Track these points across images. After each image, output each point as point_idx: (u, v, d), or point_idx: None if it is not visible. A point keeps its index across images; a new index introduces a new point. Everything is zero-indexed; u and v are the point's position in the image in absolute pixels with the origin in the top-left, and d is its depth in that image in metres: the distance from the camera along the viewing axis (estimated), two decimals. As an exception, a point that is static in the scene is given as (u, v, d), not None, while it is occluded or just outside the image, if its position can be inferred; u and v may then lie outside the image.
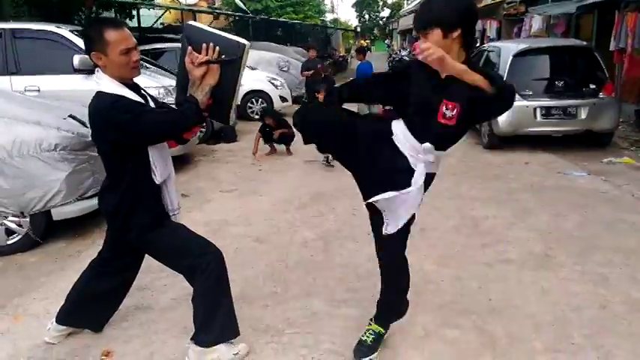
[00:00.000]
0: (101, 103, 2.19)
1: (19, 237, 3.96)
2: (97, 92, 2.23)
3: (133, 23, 13.37)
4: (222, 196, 5.48)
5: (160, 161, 2.35)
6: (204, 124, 8.09)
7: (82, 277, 2.69)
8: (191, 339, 2.44)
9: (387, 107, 2.54)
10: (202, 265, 2.35)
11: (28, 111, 4.16)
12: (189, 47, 2.26)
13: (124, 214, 2.33)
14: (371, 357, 2.50)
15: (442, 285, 3.30)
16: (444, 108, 2.10)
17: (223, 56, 2.25)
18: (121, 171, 2.30)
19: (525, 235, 4.16)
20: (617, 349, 2.59)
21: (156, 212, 2.39)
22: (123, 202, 2.32)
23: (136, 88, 2.33)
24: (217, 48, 2.24)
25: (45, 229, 4.02)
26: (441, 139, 2.21)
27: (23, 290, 3.35)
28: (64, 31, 6.27)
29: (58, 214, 3.93)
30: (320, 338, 2.70)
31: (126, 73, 2.26)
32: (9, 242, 3.94)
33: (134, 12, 13.50)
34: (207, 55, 2.24)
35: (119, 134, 2.18)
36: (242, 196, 5.47)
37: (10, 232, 3.94)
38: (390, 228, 2.28)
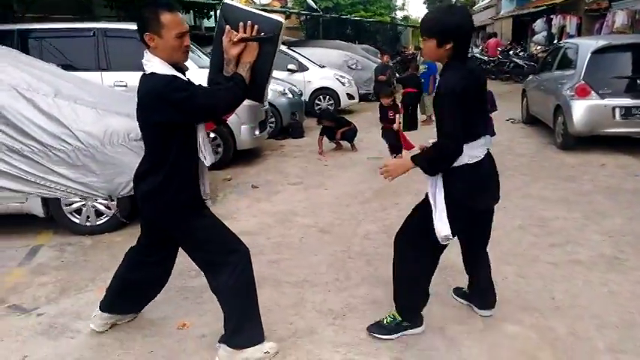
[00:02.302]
0: (156, 83, 2.19)
1: (107, 218, 4.36)
2: (150, 73, 2.23)
3: (210, 23, 13.99)
4: (289, 188, 5.70)
5: (206, 144, 2.38)
6: (274, 120, 8.38)
7: (121, 268, 2.76)
8: (221, 341, 2.51)
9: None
10: (234, 262, 2.40)
11: (118, 103, 4.55)
12: (227, 26, 2.27)
13: (170, 194, 2.32)
14: (379, 335, 2.68)
15: (505, 282, 3.29)
16: None
17: (262, 34, 2.27)
18: (165, 152, 2.28)
19: (597, 237, 4.04)
20: (689, 354, 2.51)
21: (195, 195, 2.42)
22: (166, 184, 2.30)
23: (182, 72, 2.35)
24: (256, 26, 2.26)
25: (130, 213, 4.39)
26: None
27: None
28: (150, 30, 6.73)
29: (141, 198, 4.28)
30: (380, 324, 2.80)
31: (177, 56, 2.28)
32: (98, 223, 4.36)
33: (211, 12, 14.12)
34: (244, 33, 2.27)
35: (173, 113, 2.19)
36: (308, 189, 5.66)
37: (99, 214, 4.36)
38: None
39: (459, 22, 2.26)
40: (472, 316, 2.88)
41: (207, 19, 14.04)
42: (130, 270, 2.73)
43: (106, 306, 2.81)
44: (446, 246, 2.51)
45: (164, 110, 2.20)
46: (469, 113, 2.28)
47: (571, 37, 15.19)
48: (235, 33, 2.27)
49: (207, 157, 2.40)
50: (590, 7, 15.25)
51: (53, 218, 4.30)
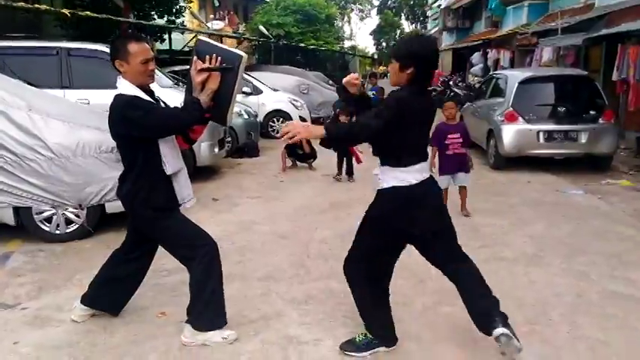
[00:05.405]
0: (119, 103, 2.56)
1: (76, 226, 4.58)
2: (117, 94, 2.59)
3: (165, 46, 14.25)
4: (248, 201, 6.08)
5: (169, 155, 2.68)
6: (230, 139, 8.75)
7: (105, 265, 3.05)
8: (187, 321, 2.81)
9: None
10: (201, 254, 2.73)
11: (88, 117, 4.81)
12: (195, 57, 2.65)
13: (141, 199, 2.66)
14: (350, 353, 2.76)
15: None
16: None
17: (224, 65, 2.61)
18: (133, 161, 2.65)
19: (520, 240, 4.66)
20: (588, 325, 3.09)
21: (167, 198, 2.72)
22: (137, 187, 2.66)
23: (150, 93, 2.70)
24: (219, 58, 2.61)
25: (98, 220, 4.63)
26: None
27: (83, 268, 3.94)
28: (113, 50, 6.99)
29: (110, 207, 4.53)
30: (337, 308, 3.24)
31: (143, 79, 2.64)
32: (68, 230, 4.57)
33: (165, 36, 14.40)
34: (209, 64, 2.60)
35: (132, 128, 2.54)
36: (266, 201, 6.06)
37: (68, 222, 4.57)
38: None
39: (419, 49, 2.41)
40: (413, 302, 3.36)
41: (161, 43, 14.30)
42: (113, 266, 3.04)
43: (87, 300, 3.08)
44: (390, 266, 2.83)
45: (123, 125, 2.60)
46: (409, 135, 2.44)
47: (504, 69, 16.51)
48: (200, 63, 2.64)
49: (167, 166, 2.69)
50: (520, 43, 16.69)
51: (23, 227, 4.48)
